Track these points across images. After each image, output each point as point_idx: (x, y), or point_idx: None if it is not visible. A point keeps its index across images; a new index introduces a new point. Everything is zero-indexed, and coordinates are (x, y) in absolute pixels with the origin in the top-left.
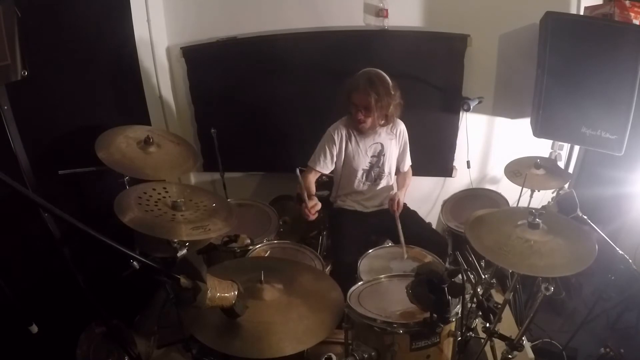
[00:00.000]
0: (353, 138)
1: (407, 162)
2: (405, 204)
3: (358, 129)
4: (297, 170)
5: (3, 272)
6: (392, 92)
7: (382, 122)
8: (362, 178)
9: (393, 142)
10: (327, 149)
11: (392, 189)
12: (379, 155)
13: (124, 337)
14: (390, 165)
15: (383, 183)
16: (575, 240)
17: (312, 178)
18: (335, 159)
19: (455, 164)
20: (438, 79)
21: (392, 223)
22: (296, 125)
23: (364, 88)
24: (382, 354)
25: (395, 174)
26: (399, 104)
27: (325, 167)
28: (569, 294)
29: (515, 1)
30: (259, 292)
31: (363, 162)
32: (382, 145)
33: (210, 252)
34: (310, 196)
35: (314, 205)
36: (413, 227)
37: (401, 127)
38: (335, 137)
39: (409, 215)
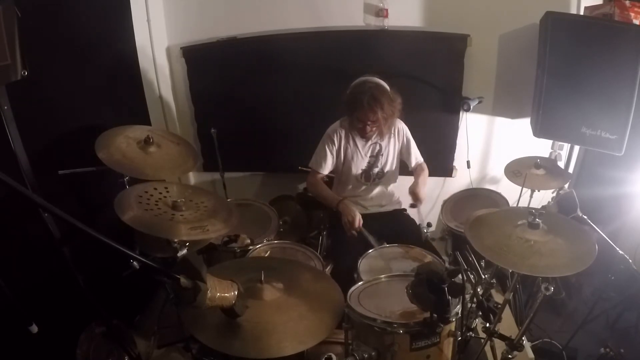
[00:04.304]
0: (351, 139)
1: (416, 157)
2: (405, 210)
3: (364, 137)
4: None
5: (3, 272)
6: (394, 100)
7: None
8: (362, 178)
9: (391, 142)
10: (327, 150)
11: (393, 191)
12: (377, 156)
13: (124, 337)
14: (389, 165)
15: (383, 183)
16: (575, 240)
17: (321, 180)
18: (335, 159)
19: (455, 164)
20: (438, 79)
21: (389, 227)
22: (296, 125)
23: (370, 106)
24: (382, 354)
25: (410, 170)
26: (400, 107)
27: (327, 168)
28: (569, 294)
29: (515, 1)
30: (259, 292)
31: (361, 163)
32: (380, 145)
33: (210, 252)
34: (337, 200)
35: (356, 218)
36: (408, 237)
37: (399, 125)
38: (335, 138)
39: (407, 224)
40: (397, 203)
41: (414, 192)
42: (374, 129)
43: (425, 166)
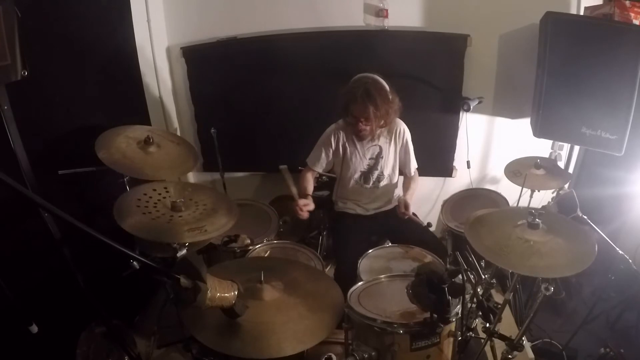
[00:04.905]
0: (351, 140)
1: (413, 165)
2: None
3: (358, 135)
4: (280, 168)
5: (3, 272)
6: (390, 99)
7: (382, 123)
8: (361, 180)
9: (392, 144)
10: (323, 149)
11: (393, 191)
12: (377, 158)
13: (124, 337)
14: (389, 167)
15: (383, 185)
16: (575, 240)
17: (310, 176)
18: (331, 159)
19: (455, 164)
20: (438, 79)
21: (393, 224)
22: (296, 125)
23: (362, 100)
24: (382, 354)
25: (402, 175)
26: (398, 108)
27: (321, 166)
28: (569, 294)
29: (515, 1)
30: (259, 292)
31: (361, 164)
32: (380, 147)
33: (210, 252)
34: (303, 195)
35: (306, 205)
36: (412, 233)
37: (401, 126)
38: (332, 139)
39: (409, 220)
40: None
41: (406, 204)
42: (367, 127)
43: (417, 177)
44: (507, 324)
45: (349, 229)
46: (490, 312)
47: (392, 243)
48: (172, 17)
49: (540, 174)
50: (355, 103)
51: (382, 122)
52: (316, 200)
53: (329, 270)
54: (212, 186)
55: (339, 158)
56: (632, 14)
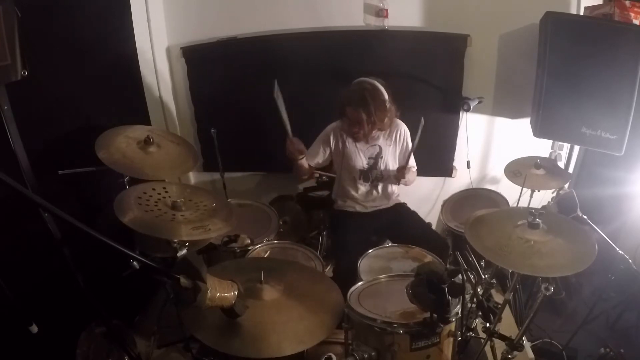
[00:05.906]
0: (351, 139)
1: (411, 163)
2: (405, 204)
3: (352, 136)
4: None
5: (3, 272)
6: (386, 107)
7: (378, 128)
8: (360, 179)
9: (391, 145)
10: (320, 145)
11: (392, 190)
12: (377, 158)
13: (124, 337)
14: (389, 167)
15: (382, 185)
16: (575, 240)
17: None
18: (327, 156)
19: (455, 164)
20: (438, 79)
21: (392, 222)
22: (296, 125)
23: (356, 105)
24: (382, 354)
25: None
26: (394, 115)
27: (316, 162)
28: (569, 294)
29: (515, 1)
30: (259, 292)
31: (360, 163)
32: (379, 147)
33: (210, 252)
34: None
35: (299, 143)
36: (413, 228)
37: (402, 128)
38: (332, 137)
39: (409, 215)
40: (398, 198)
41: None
42: (361, 132)
43: (415, 173)
44: (507, 324)
45: (349, 228)
46: (490, 312)
47: (392, 241)
48: (172, 17)
49: (540, 174)
50: (350, 106)
51: (378, 127)
52: (316, 200)
53: (329, 270)
54: (212, 186)
55: (338, 157)
56: (632, 14)
